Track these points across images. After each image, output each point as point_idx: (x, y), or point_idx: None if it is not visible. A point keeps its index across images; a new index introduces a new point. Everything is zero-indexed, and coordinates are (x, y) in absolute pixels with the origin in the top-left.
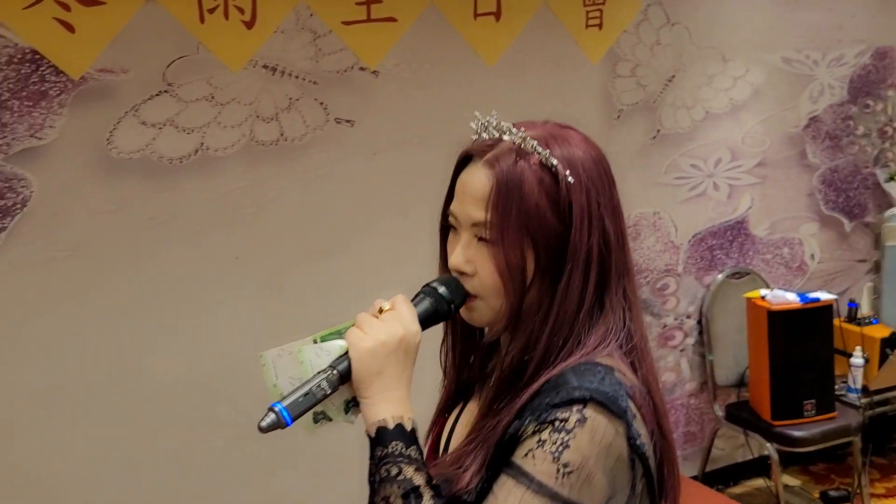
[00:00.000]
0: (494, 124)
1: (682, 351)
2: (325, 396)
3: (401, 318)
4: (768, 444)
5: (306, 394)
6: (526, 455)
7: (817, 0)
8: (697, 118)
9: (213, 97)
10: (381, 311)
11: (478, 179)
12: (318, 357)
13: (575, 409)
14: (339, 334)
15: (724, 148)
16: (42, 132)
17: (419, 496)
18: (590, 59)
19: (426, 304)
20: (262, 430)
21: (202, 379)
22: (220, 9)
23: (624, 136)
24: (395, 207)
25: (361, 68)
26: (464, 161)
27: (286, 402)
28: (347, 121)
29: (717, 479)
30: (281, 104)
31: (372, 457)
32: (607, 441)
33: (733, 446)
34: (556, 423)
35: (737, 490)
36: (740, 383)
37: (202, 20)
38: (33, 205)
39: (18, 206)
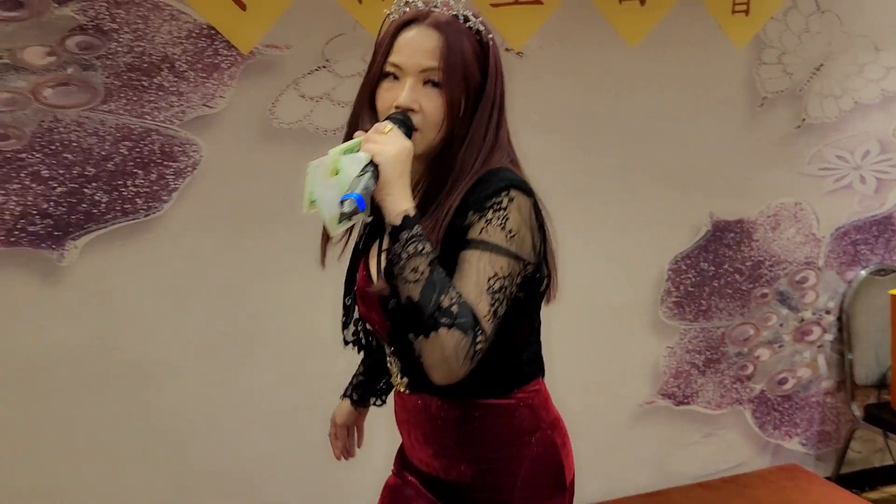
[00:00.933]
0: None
1: (819, 347)
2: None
3: (401, 136)
4: None
5: (365, 188)
6: (480, 232)
7: None
8: (845, 108)
9: None
10: (385, 132)
11: (427, 37)
12: (350, 165)
13: (503, 194)
14: (353, 150)
15: (873, 140)
16: (213, 101)
17: (437, 263)
18: (735, 45)
19: (403, 130)
20: (345, 215)
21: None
22: None
23: (767, 123)
24: (532, 183)
25: (507, 49)
26: (403, 25)
27: (358, 191)
28: None
29: (853, 482)
30: None
31: (397, 240)
32: (527, 212)
33: (871, 450)
34: (495, 206)
35: (873, 496)
36: (881, 384)
37: (360, 1)
38: (203, 167)
39: (190, 168)
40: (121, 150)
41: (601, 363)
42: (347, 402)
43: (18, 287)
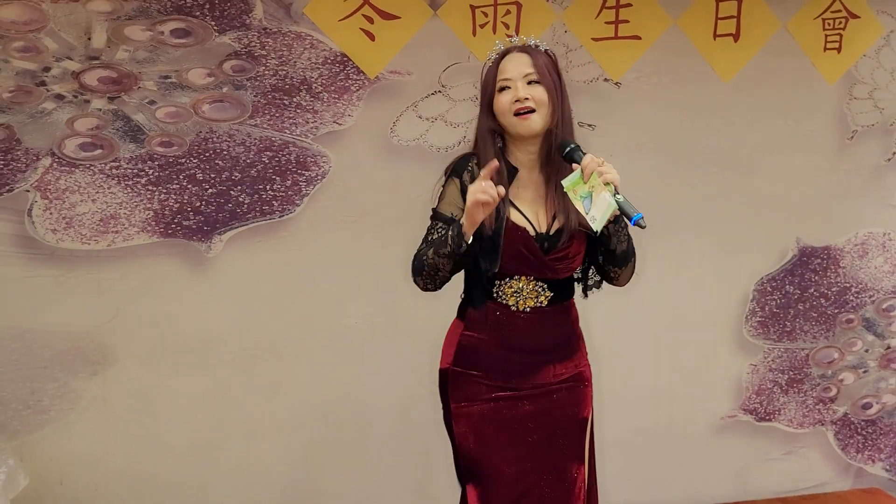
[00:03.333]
0: (513, 41)
1: None
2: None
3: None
4: None
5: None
6: None
7: None
8: None
9: (476, 98)
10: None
11: (520, 56)
12: (603, 193)
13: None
14: (578, 179)
15: None
16: (342, 119)
17: None
18: (827, 80)
19: (580, 154)
20: (642, 224)
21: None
22: (489, 24)
23: (857, 156)
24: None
25: (606, 79)
26: (501, 57)
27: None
28: (589, 125)
29: None
30: None
31: (619, 223)
32: None
33: None
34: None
35: None
36: None
37: (474, 33)
38: (331, 177)
39: (319, 177)
40: (263, 159)
41: (686, 376)
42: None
43: (173, 272)
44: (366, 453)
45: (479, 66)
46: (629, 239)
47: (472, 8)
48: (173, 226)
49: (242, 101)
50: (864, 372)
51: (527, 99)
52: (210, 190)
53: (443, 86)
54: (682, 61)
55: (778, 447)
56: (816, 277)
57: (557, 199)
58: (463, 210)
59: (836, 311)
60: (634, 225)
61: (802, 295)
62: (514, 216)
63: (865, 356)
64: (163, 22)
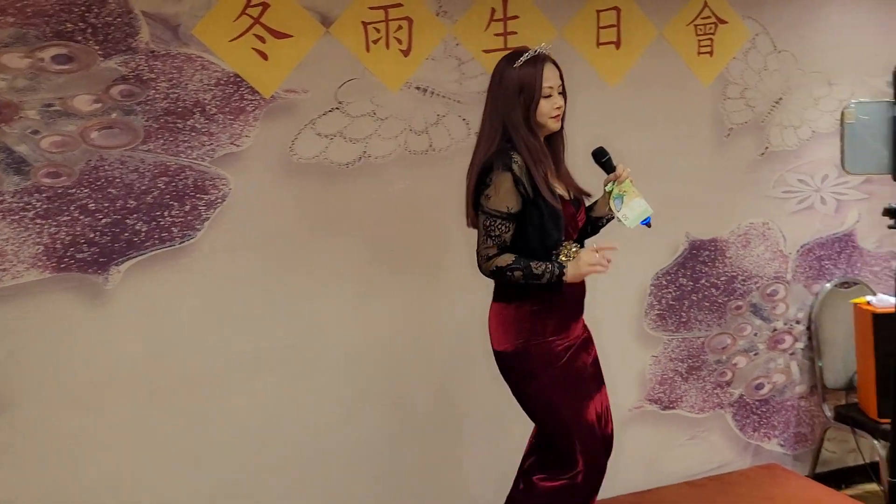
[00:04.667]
0: (542, 46)
1: (791, 354)
2: None
3: None
4: (875, 442)
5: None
6: None
7: None
8: (804, 137)
9: (374, 113)
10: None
11: (553, 69)
12: (637, 195)
13: None
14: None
15: (829, 165)
16: (240, 140)
17: None
18: (702, 83)
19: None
20: (650, 224)
21: (365, 349)
22: (382, 40)
23: (734, 152)
24: None
25: None
26: (540, 62)
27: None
28: None
29: (829, 480)
30: (430, 120)
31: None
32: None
33: (844, 450)
34: None
35: (848, 492)
36: (849, 387)
37: (368, 49)
38: (231, 199)
39: (219, 200)
40: (158, 185)
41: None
42: (564, 264)
43: (69, 308)
44: (289, 481)
45: (374, 82)
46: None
47: (364, 24)
48: (66, 259)
49: (133, 126)
50: (755, 355)
51: (560, 107)
52: (104, 220)
53: (339, 102)
54: (568, 67)
55: (682, 433)
56: (706, 269)
57: (565, 172)
58: (517, 201)
59: (725, 299)
60: (645, 224)
61: (695, 286)
62: (559, 189)
63: (755, 339)
64: (42, 48)
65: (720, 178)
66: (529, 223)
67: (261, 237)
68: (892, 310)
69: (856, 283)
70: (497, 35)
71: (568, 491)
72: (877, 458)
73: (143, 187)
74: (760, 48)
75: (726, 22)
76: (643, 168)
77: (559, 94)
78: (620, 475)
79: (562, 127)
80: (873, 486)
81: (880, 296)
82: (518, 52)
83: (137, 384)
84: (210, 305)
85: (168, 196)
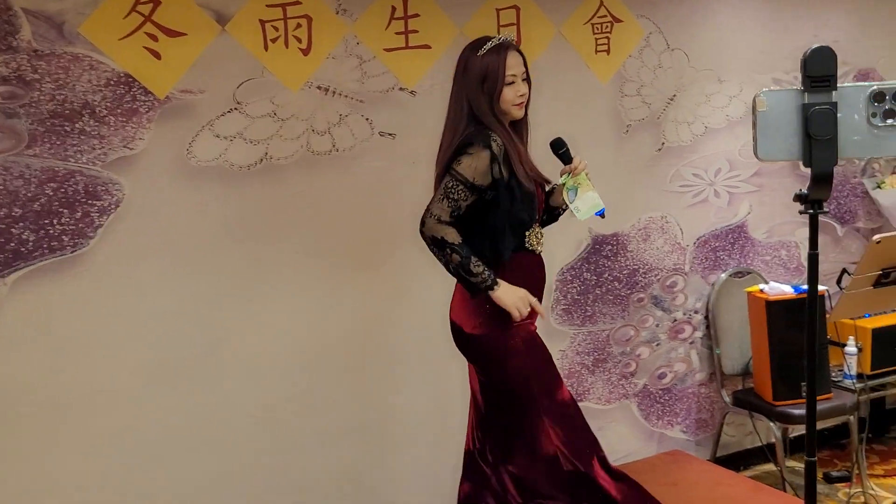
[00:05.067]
0: (506, 35)
1: (691, 343)
2: None
3: None
4: (771, 424)
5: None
6: None
7: (803, 27)
8: (698, 133)
9: (275, 113)
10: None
11: (517, 57)
12: (591, 190)
13: None
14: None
15: (722, 159)
16: (133, 143)
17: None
18: (600, 80)
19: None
20: (603, 216)
21: (271, 360)
22: (281, 38)
23: (632, 148)
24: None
25: (401, 88)
26: (504, 50)
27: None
28: (390, 134)
29: (728, 463)
30: (332, 120)
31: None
32: None
33: (742, 434)
34: None
35: (746, 474)
36: (745, 372)
37: (266, 48)
38: (125, 205)
39: (113, 206)
40: (46, 191)
41: None
42: (499, 281)
43: None
44: (197, 495)
45: (274, 81)
46: None
47: (262, 22)
48: None
49: (17, 130)
50: (657, 345)
51: (524, 95)
52: None
53: (238, 103)
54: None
55: (591, 424)
56: (609, 263)
57: (530, 160)
58: (485, 178)
59: (628, 291)
60: (599, 216)
61: (598, 280)
62: (522, 176)
63: (657, 330)
64: None
65: (621, 174)
66: (498, 204)
67: (158, 244)
68: (785, 297)
69: (749, 273)
70: (398, 34)
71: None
72: (773, 440)
73: (30, 194)
74: (654, 46)
75: (621, 21)
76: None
77: (523, 80)
78: None
79: (526, 113)
80: (769, 466)
81: (773, 284)
82: (482, 41)
83: (30, 402)
84: (107, 316)
85: (57, 203)
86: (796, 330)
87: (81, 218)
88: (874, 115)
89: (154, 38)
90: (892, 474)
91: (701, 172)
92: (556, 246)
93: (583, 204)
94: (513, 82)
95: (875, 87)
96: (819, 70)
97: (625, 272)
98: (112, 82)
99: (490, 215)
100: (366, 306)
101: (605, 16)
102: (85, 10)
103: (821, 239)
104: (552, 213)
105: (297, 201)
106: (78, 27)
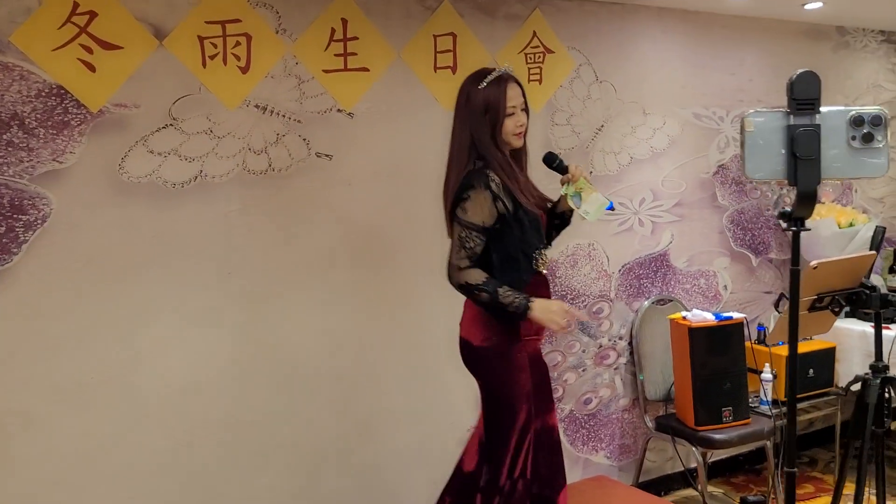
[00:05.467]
0: (505, 67)
1: (615, 369)
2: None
3: None
4: (693, 448)
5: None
6: None
7: (721, 66)
8: (623, 163)
9: (211, 131)
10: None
11: (516, 89)
12: (594, 193)
13: None
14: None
15: (646, 189)
16: (63, 157)
17: None
18: (533, 109)
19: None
20: (613, 209)
21: (200, 380)
22: (219, 55)
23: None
24: (368, 230)
25: (339, 110)
26: (503, 82)
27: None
28: (327, 155)
29: (650, 489)
30: (270, 139)
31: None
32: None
33: (663, 459)
34: None
35: (668, 499)
36: (667, 398)
37: (204, 65)
38: (53, 221)
39: (39, 221)
40: None
41: (430, 394)
42: (531, 301)
43: None
44: None
45: (211, 99)
46: None
47: (201, 39)
48: None
49: None
50: (583, 371)
51: (523, 125)
52: None
53: (174, 119)
54: (407, 92)
55: None
56: None
57: (528, 184)
58: (492, 217)
59: None
60: (610, 210)
61: None
62: (523, 200)
63: (583, 356)
64: None
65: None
66: (507, 234)
67: (86, 261)
68: (707, 324)
69: (670, 300)
70: (337, 56)
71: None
72: (694, 465)
73: None
74: (584, 78)
75: (553, 52)
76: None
77: (522, 111)
78: None
79: (525, 142)
80: (690, 492)
81: (695, 311)
82: (482, 73)
83: None
84: (28, 336)
85: None
86: (717, 356)
87: (6, 233)
88: (853, 137)
89: (89, 50)
90: (806, 498)
91: (626, 201)
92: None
93: (590, 206)
94: (513, 113)
95: (854, 112)
96: (804, 93)
97: (553, 298)
98: (43, 94)
99: (501, 246)
100: (296, 324)
101: (538, 46)
102: (17, 19)
103: (736, 268)
104: (563, 218)
105: (231, 220)
106: (9, 36)
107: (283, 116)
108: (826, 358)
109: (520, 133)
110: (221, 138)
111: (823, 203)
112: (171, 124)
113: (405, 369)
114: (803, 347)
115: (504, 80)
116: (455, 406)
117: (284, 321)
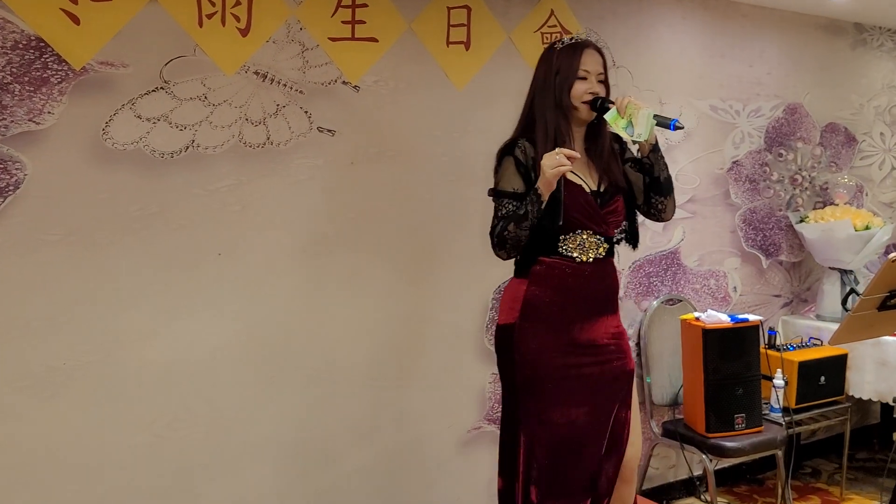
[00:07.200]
0: (583, 33)
1: None
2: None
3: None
4: (703, 456)
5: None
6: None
7: (739, 56)
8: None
9: (206, 97)
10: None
11: (595, 56)
12: (643, 111)
13: None
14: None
15: None
16: (41, 117)
17: None
18: None
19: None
20: (680, 126)
21: (185, 369)
22: (217, 15)
23: None
24: (369, 214)
25: (344, 82)
26: (581, 47)
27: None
28: (329, 130)
29: (653, 497)
30: (269, 109)
31: (659, 149)
32: None
33: (666, 466)
34: None
35: None
36: (674, 402)
37: (200, 24)
38: (27, 187)
39: (11, 187)
40: None
41: (433, 393)
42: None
43: None
44: None
45: (207, 62)
46: (667, 167)
47: None
48: None
49: None
50: None
51: (595, 93)
52: None
53: (165, 82)
54: (418, 67)
55: None
56: None
57: (603, 163)
58: (521, 182)
59: None
60: (674, 129)
61: None
62: (571, 177)
63: None
64: None
65: None
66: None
67: (62, 234)
68: (722, 326)
69: (679, 301)
70: (345, 23)
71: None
72: (696, 473)
73: None
74: None
75: (570, 32)
76: (483, 175)
77: (598, 81)
78: (462, 499)
79: (603, 119)
80: (692, 501)
81: (709, 312)
82: (562, 38)
83: None
84: None
85: None
86: (732, 360)
87: None
88: None
89: (74, 0)
90: None
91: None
92: (492, 261)
93: (639, 127)
94: (585, 78)
95: None
96: None
97: None
98: (20, 45)
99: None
100: (291, 310)
101: (555, 25)
102: None
103: (746, 270)
104: (647, 170)
105: (224, 196)
106: None
107: (285, 86)
108: (838, 365)
109: (588, 101)
110: (217, 106)
111: (838, 205)
112: (161, 87)
113: (406, 366)
114: (815, 354)
115: (582, 44)
116: (453, 407)
117: (277, 309)
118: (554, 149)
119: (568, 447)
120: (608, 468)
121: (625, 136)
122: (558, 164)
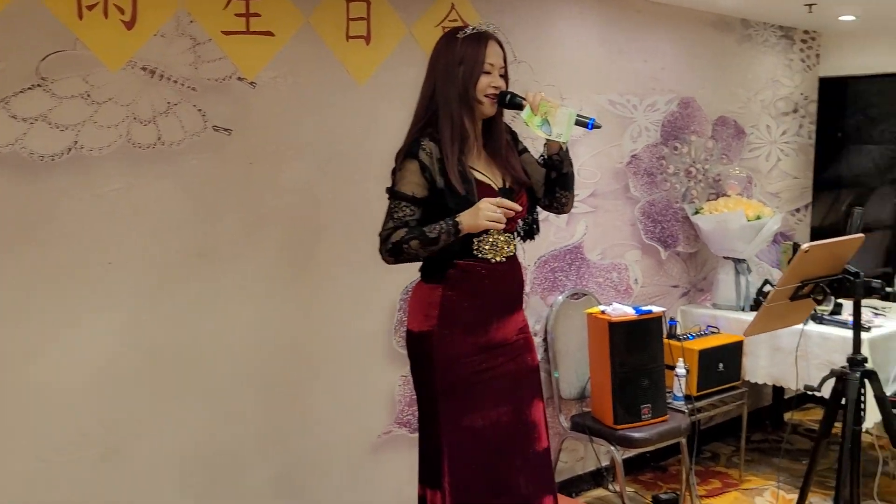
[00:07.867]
0: (483, 25)
1: None
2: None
3: None
4: (612, 447)
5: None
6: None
7: (635, 52)
8: (540, 150)
9: (89, 95)
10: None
11: (497, 49)
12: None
13: None
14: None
15: None
16: None
17: None
18: None
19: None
20: (598, 126)
21: (73, 388)
22: (99, 6)
23: None
24: (269, 216)
25: (240, 78)
26: (483, 38)
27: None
28: (225, 129)
29: (562, 490)
30: (159, 108)
31: (566, 151)
32: None
33: (574, 459)
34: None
35: (581, 500)
36: (582, 396)
37: (80, 16)
38: None
39: None
40: None
41: (341, 397)
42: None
43: None
44: None
45: (88, 57)
46: (572, 162)
47: None
48: None
49: None
50: None
51: (498, 87)
52: None
53: (43, 78)
54: (317, 62)
55: None
56: None
57: (503, 159)
58: (422, 187)
59: None
60: (592, 128)
61: None
62: (479, 176)
63: None
64: None
65: None
66: (444, 210)
67: None
68: (627, 318)
69: (584, 294)
70: (238, 15)
71: None
72: (603, 465)
73: None
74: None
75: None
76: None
77: (500, 76)
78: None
79: (501, 113)
80: (600, 492)
81: (615, 305)
82: (463, 27)
83: None
84: None
85: None
86: (637, 352)
87: None
88: None
89: None
90: (714, 494)
91: None
92: (400, 267)
93: (558, 127)
94: (489, 72)
95: None
96: None
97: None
98: None
99: (436, 220)
100: (189, 320)
101: (456, 20)
102: None
103: (646, 262)
104: (554, 166)
105: (113, 201)
106: None
107: (176, 82)
108: (735, 352)
109: (493, 95)
110: (101, 104)
111: (730, 196)
112: (38, 85)
113: (313, 371)
114: (713, 342)
115: (486, 36)
116: (363, 411)
117: (173, 318)
118: (460, 149)
119: (496, 448)
120: (532, 465)
121: (541, 134)
122: (496, 220)
